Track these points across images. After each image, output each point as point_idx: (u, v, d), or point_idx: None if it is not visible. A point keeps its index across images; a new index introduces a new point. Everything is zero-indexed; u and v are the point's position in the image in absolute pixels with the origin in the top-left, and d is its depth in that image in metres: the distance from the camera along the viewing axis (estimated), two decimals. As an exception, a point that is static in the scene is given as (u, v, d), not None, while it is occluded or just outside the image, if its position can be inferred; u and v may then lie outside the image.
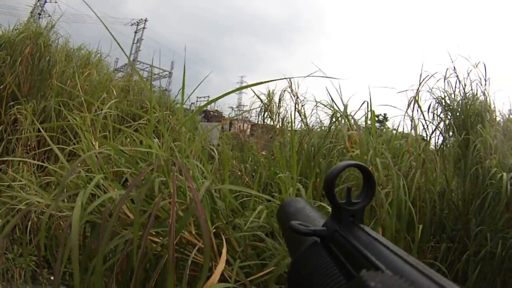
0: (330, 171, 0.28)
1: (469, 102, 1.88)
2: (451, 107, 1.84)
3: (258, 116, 2.10)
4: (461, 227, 1.72)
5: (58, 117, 1.92)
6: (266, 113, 2.05)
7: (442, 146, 1.74)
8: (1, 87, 2.24)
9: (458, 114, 1.85)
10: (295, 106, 1.66)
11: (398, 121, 1.61)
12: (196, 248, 0.84)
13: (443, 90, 1.81)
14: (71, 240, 0.69)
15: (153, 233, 0.95)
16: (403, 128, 1.61)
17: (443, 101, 1.82)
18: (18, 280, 2.02)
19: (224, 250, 0.87)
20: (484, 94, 1.94)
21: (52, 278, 1.91)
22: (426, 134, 1.68)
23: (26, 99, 2.15)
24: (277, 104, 1.97)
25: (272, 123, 2.05)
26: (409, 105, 1.58)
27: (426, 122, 1.67)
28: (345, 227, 0.26)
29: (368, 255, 0.21)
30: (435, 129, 1.70)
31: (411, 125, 1.59)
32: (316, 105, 1.53)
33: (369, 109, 1.30)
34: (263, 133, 2.19)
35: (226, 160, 0.96)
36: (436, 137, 1.75)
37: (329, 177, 0.28)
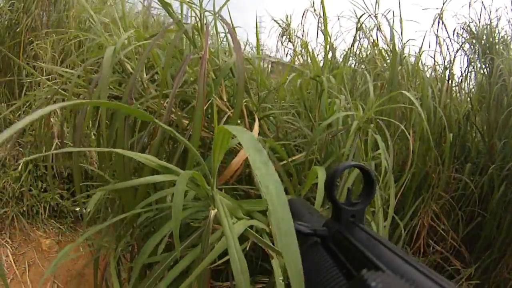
0: (330, 172, 0.28)
1: (494, 29, 1.82)
2: (476, 34, 1.77)
3: (277, 43, 2.07)
4: (485, 153, 1.69)
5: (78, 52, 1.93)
6: (284, 37, 2.02)
7: (466, 69, 1.70)
8: (18, 30, 2.25)
9: (483, 42, 1.79)
10: (318, 24, 1.61)
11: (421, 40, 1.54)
12: (226, 116, 0.83)
13: (468, 17, 1.75)
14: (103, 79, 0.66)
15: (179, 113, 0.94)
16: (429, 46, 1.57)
17: (468, 27, 1.77)
18: (43, 215, 2.08)
19: (256, 125, 0.86)
20: (509, 22, 1.87)
21: (77, 209, 1.96)
22: (450, 54, 1.63)
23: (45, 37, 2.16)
24: (297, 27, 1.95)
25: (292, 47, 2.02)
26: (434, 21, 1.53)
27: (451, 41, 1.63)
28: (345, 227, 0.27)
29: (368, 255, 0.21)
30: (459, 49, 1.64)
31: (436, 41, 1.54)
32: (339, 17, 1.47)
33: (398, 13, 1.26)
34: (283, 70, 2.17)
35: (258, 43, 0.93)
36: (462, 59, 1.70)
37: (329, 177, 0.28)
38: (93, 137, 1.74)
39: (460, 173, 1.64)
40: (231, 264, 0.41)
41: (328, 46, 1.17)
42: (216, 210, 0.57)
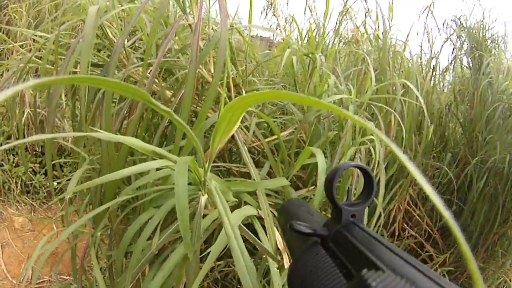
0: (330, 172, 0.29)
1: (485, 26, 1.84)
2: (467, 28, 1.79)
3: (260, 17, 2.00)
4: (463, 144, 1.72)
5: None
6: (269, 10, 1.96)
7: (453, 61, 1.72)
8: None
9: (473, 37, 1.80)
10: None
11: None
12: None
13: (460, 11, 1.76)
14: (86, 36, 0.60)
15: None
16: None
17: (458, 20, 1.78)
18: (15, 191, 1.99)
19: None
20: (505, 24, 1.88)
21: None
22: (437, 45, 1.63)
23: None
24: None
25: (276, 21, 1.97)
26: (423, 11, 1.53)
27: (439, 32, 1.63)
28: (345, 227, 0.27)
29: (368, 255, 0.21)
30: (447, 39, 1.65)
31: (424, 30, 1.54)
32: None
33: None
34: (263, 45, 2.13)
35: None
36: (450, 50, 1.72)
37: (329, 177, 0.28)
38: (66, 108, 1.65)
39: (437, 161, 1.68)
40: (238, 269, 0.40)
41: (319, 24, 1.14)
42: (206, 196, 0.52)
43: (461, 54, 1.71)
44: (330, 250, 0.26)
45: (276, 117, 0.96)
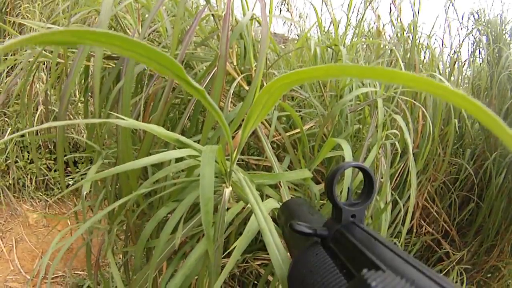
0: (330, 171, 0.28)
1: (505, 20, 1.80)
2: (486, 21, 1.75)
3: (275, 10, 1.98)
4: (482, 140, 1.69)
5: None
6: (283, 6, 1.95)
7: (472, 55, 1.68)
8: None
9: (489, 29, 1.77)
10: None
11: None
12: (236, 82, 0.78)
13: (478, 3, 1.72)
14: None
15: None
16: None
17: (476, 14, 1.74)
18: (30, 187, 2.01)
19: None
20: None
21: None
22: (459, 38, 1.60)
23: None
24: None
25: (290, 16, 1.94)
26: (446, 5, 1.50)
27: (460, 26, 1.60)
28: (345, 227, 0.27)
29: (369, 255, 0.21)
30: (469, 33, 1.62)
31: (445, 24, 1.51)
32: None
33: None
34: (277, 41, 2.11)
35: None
36: (470, 44, 1.68)
37: (330, 177, 0.28)
38: (79, 104, 1.65)
39: (455, 157, 1.64)
40: (275, 266, 0.38)
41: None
42: (230, 188, 0.51)
43: (479, 48, 1.67)
44: (330, 250, 0.26)
45: (295, 111, 0.94)
